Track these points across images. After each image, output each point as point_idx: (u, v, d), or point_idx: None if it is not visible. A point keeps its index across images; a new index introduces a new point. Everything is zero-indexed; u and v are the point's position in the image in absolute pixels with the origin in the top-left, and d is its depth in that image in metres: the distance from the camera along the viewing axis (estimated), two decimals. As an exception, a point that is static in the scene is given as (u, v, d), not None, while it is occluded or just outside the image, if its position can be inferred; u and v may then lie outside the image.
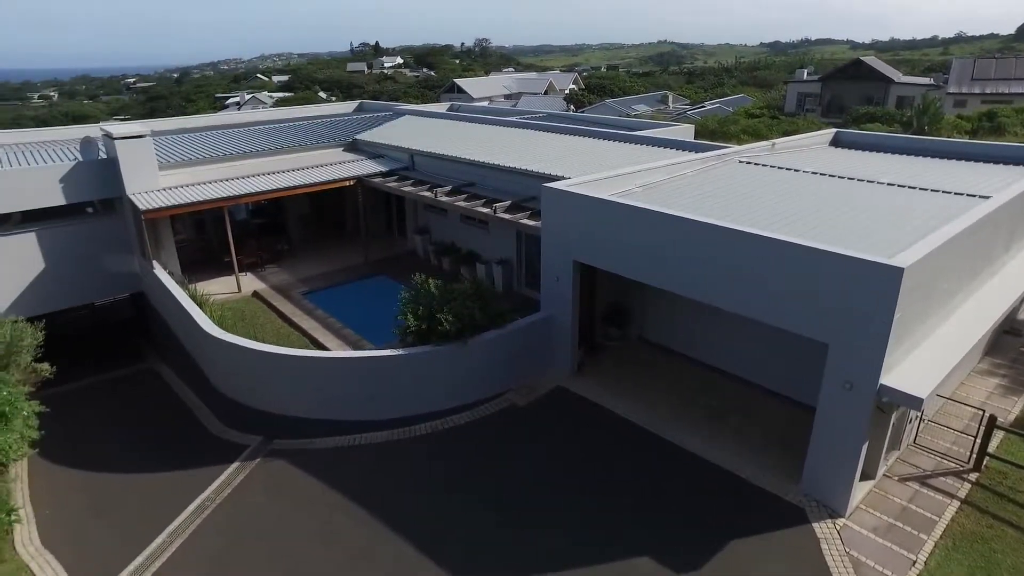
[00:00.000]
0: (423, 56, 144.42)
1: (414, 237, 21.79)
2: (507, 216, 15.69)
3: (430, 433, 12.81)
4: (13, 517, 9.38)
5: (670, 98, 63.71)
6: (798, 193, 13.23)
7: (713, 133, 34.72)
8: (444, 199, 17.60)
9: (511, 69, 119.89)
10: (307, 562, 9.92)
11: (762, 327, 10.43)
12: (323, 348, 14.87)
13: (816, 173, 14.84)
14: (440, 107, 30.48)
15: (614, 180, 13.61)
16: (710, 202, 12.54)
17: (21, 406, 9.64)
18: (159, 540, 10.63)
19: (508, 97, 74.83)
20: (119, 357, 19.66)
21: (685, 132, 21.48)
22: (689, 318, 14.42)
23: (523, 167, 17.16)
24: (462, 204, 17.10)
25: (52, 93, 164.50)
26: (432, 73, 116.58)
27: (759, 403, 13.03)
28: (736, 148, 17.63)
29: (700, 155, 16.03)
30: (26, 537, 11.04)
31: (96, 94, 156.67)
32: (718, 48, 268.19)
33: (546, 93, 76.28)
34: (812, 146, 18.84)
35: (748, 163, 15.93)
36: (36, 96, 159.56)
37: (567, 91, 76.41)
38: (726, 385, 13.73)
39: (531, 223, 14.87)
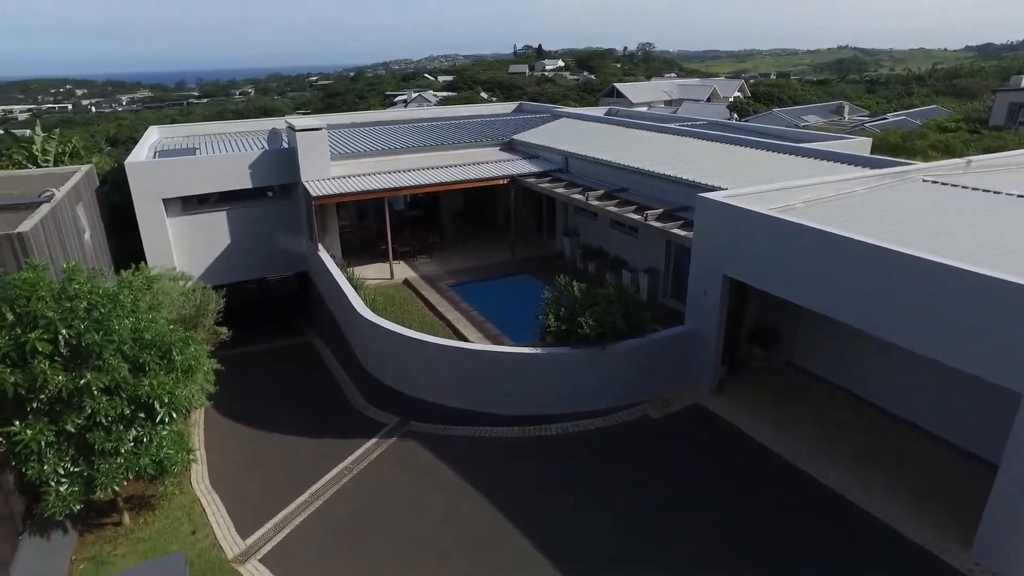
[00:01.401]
0: (584, 59, 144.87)
1: (562, 239, 21.90)
2: (658, 224, 15.28)
3: (560, 435, 12.81)
4: (192, 457, 10.80)
5: (846, 109, 58.88)
6: (994, 218, 11.61)
7: (895, 148, 31.49)
8: (595, 203, 17.51)
9: (673, 74, 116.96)
10: (429, 538, 10.34)
11: (932, 363, 9.28)
12: (464, 339, 15.37)
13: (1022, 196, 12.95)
14: (598, 111, 30.36)
15: (775, 194, 12.79)
16: (883, 224, 11.36)
17: (203, 362, 10.93)
18: (301, 498, 11.59)
19: (668, 103, 73.09)
20: (283, 329, 21.63)
21: (860, 146, 19.67)
22: (843, 345, 13.23)
23: (677, 175, 16.63)
24: (613, 209, 16.91)
25: (250, 90, 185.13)
26: (592, 77, 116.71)
27: (916, 446, 11.69)
28: (920, 165, 15.86)
29: (875, 171, 14.59)
30: (199, 476, 12.54)
31: (284, 91, 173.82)
32: (909, 54, 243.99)
33: (708, 100, 73.62)
34: (1022, 166, 16.45)
35: (934, 182, 14.23)
36: (238, 92, 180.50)
37: (731, 99, 73.26)
38: (879, 422, 12.45)
39: (682, 233, 14.37)
